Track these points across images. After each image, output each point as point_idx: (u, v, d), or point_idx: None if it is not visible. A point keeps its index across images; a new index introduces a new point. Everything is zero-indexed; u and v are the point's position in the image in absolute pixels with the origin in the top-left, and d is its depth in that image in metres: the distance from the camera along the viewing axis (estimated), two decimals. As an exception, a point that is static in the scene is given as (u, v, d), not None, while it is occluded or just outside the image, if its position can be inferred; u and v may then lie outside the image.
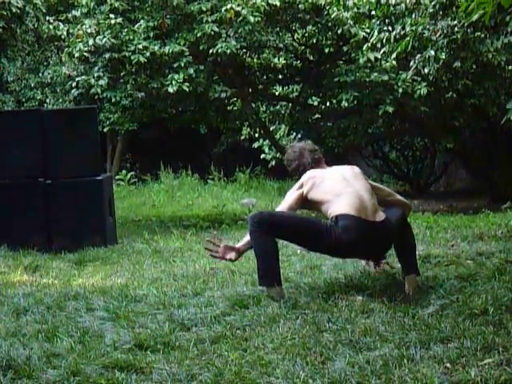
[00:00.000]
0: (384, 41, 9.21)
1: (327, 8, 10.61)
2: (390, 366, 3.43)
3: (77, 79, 10.44)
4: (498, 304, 4.32)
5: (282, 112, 13.14)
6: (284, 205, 5.02)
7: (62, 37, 11.04)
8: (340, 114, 12.16)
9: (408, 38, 8.38)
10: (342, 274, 5.36)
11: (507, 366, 3.34)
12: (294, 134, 13.81)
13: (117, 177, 16.53)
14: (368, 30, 10.32)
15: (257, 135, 14.92)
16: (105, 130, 15.18)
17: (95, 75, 10.19)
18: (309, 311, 4.39)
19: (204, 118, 12.55)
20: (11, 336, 4.16)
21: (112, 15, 10.21)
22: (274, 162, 14.95)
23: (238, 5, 10.04)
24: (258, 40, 10.51)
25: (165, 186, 16.34)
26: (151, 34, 10.26)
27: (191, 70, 10.11)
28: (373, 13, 9.95)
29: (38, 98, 17.62)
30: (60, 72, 12.44)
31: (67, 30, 10.88)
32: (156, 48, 10.04)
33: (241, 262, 5.99)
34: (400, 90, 10.75)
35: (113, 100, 10.58)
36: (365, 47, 9.86)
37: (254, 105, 12.42)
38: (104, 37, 10.07)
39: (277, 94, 13.09)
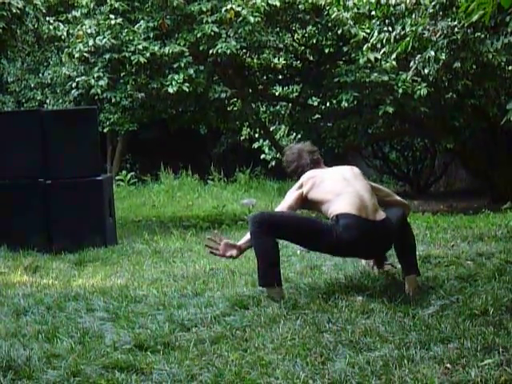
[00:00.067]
0: (384, 41, 9.21)
1: (327, 8, 10.62)
2: (391, 366, 3.43)
3: (77, 80, 10.45)
4: (498, 304, 4.32)
5: (282, 112, 13.15)
6: (284, 205, 5.02)
7: (62, 37, 11.03)
8: (340, 114, 12.15)
9: (408, 39, 8.36)
10: (342, 275, 5.36)
11: (507, 367, 3.34)
12: (294, 134, 13.80)
13: (117, 177, 16.53)
14: (368, 31, 10.32)
15: (257, 135, 14.94)
16: (105, 130, 15.21)
17: (95, 76, 10.19)
18: (309, 312, 4.39)
19: (204, 118, 12.54)
20: (11, 336, 4.16)
21: (112, 16, 10.22)
22: (273, 163, 14.94)
23: (238, 5, 10.05)
24: (258, 40, 10.52)
25: (165, 186, 16.33)
26: (151, 35, 10.27)
27: (191, 71, 10.12)
28: (373, 13, 9.94)
29: (38, 98, 17.63)
30: (60, 72, 12.43)
31: (67, 31, 10.89)
32: (156, 48, 10.04)
33: (241, 262, 6.00)
34: (400, 91, 10.76)
35: (113, 100, 10.58)
36: (365, 47, 9.86)
37: (253, 105, 12.42)
38: (104, 37, 10.08)
39: (277, 94, 13.10)
